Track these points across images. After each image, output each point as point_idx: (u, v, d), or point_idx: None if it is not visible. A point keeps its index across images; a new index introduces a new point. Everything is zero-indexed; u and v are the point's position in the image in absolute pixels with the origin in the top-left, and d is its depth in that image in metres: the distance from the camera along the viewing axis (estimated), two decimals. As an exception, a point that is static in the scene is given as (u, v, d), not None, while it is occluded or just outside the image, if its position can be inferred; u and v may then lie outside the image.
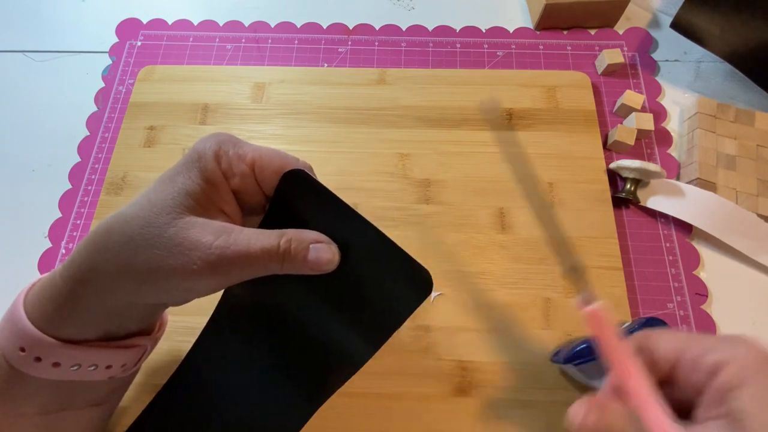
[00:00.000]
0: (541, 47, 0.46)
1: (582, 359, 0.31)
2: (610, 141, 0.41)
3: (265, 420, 0.27)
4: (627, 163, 0.37)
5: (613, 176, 0.40)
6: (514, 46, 0.46)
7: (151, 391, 0.30)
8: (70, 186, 0.41)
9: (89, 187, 0.41)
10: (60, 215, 0.40)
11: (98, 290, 0.21)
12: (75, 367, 0.23)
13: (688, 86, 0.44)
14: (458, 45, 0.46)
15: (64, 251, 0.38)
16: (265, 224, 0.24)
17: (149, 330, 0.27)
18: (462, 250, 0.37)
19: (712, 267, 0.37)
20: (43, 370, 0.22)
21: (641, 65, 0.45)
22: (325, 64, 0.46)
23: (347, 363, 0.25)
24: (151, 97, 0.43)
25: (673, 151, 0.41)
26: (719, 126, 0.40)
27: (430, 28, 0.47)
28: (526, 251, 0.36)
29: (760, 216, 0.37)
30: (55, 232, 0.39)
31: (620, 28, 0.47)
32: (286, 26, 0.48)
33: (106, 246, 0.21)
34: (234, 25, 0.48)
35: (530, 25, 0.47)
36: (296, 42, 0.47)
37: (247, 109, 0.42)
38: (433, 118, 0.41)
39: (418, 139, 0.41)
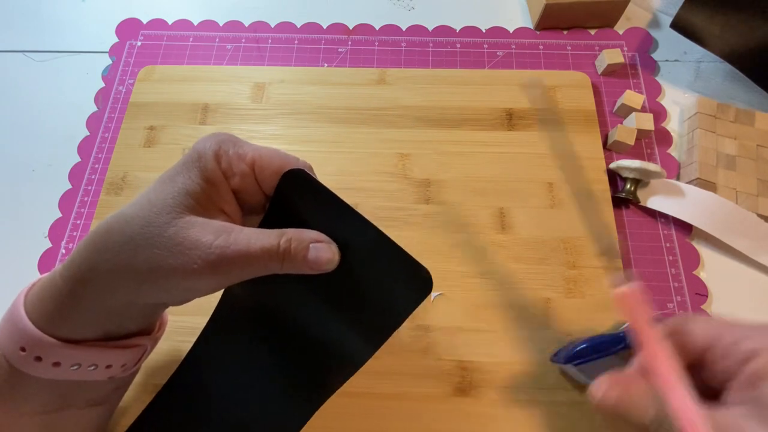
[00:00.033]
0: (541, 47, 0.46)
1: (582, 359, 0.31)
2: (610, 141, 0.41)
3: (265, 420, 0.27)
4: (627, 163, 0.37)
5: (613, 176, 0.40)
6: (514, 46, 0.46)
7: (151, 391, 0.30)
8: (70, 186, 0.41)
9: (89, 187, 0.41)
10: (60, 215, 0.40)
11: (98, 290, 0.21)
12: (75, 367, 0.23)
13: (688, 86, 0.44)
14: (458, 45, 0.46)
15: (64, 251, 0.38)
16: (265, 224, 0.24)
17: (149, 330, 0.27)
18: (462, 250, 0.37)
19: (712, 267, 0.37)
20: (43, 369, 0.22)
21: (641, 65, 0.45)
22: (325, 64, 0.46)
23: (347, 363, 0.25)
24: (151, 97, 0.43)
25: (673, 151, 0.41)
26: (719, 126, 0.40)
27: (430, 28, 0.47)
28: (526, 251, 0.36)
29: (760, 216, 0.37)
30: (55, 232, 0.39)
31: (620, 28, 0.47)
32: (286, 26, 0.48)
33: (106, 246, 0.21)
34: (234, 25, 0.48)
35: (530, 25, 0.47)
36: (296, 42, 0.47)
37: (247, 109, 0.42)
38: (433, 118, 0.41)
39: (418, 139, 0.41)
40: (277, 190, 0.24)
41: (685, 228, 0.38)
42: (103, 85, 0.45)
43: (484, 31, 0.47)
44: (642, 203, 0.38)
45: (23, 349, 0.22)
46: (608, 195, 0.38)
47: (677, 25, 0.43)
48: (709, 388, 0.20)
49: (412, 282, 0.22)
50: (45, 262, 0.38)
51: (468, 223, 0.37)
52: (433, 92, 0.42)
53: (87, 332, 0.23)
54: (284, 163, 0.23)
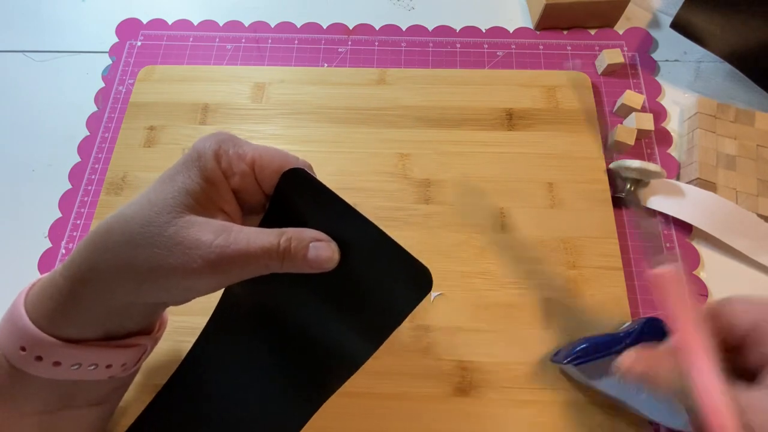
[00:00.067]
0: (541, 47, 0.46)
1: (582, 359, 0.31)
2: (610, 141, 0.41)
3: (265, 420, 0.27)
4: (627, 163, 0.37)
5: (613, 176, 0.40)
6: (514, 46, 0.46)
7: (151, 391, 0.30)
8: (70, 186, 0.41)
9: (89, 187, 0.41)
10: (60, 215, 0.40)
11: (99, 290, 0.21)
12: (75, 366, 0.23)
13: (688, 86, 0.44)
14: (458, 45, 0.46)
15: (64, 251, 0.38)
16: (265, 223, 0.25)
17: (149, 330, 0.27)
18: (462, 250, 0.37)
19: (712, 267, 0.37)
20: (43, 369, 0.22)
21: (641, 65, 0.45)
22: (325, 64, 0.46)
23: (347, 362, 0.25)
24: (151, 97, 0.43)
25: (673, 151, 0.41)
26: (719, 126, 0.40)
27: (430, 28, 0.47)
28: (526, 251, 0.36)
29: (760, 216, 0.37)
30: (55, 232, 0.39)
31: (620, 28, 0.47)
32: (286, 26, 0.48)
33: (106, 245, 0.21)
34: (234, 25, 0.48)
35: (530, 25, 0.47)
36: (296, 42, 0.47)
37: (247, 109, 0.42)
38: (433, 118, 0.41)
39: (418, 139, 0.41)
40: (277, 190, 0.24)
41: (685, 228, 0.38)
42: (103, 85, 0.45)
43: (484, 31, 0.47)
44: (642, 203, 0.38)
45: (23, 349, 0.22)
46: (608, 195, 0.38)
47: (677, 25, 0.43)
48: (747, 371, 0.20)
49: (413, 281, 0.22)
50: (45, 262, 0.38)
51: (468, 223, 0.37)
52: (433, 92, 0.42)
53: (87, 332, 0.23)
54: (284, 163, 0.23)
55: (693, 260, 0.37)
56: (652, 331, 0.31)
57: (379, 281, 0.23)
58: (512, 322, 0.34)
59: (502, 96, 0.42)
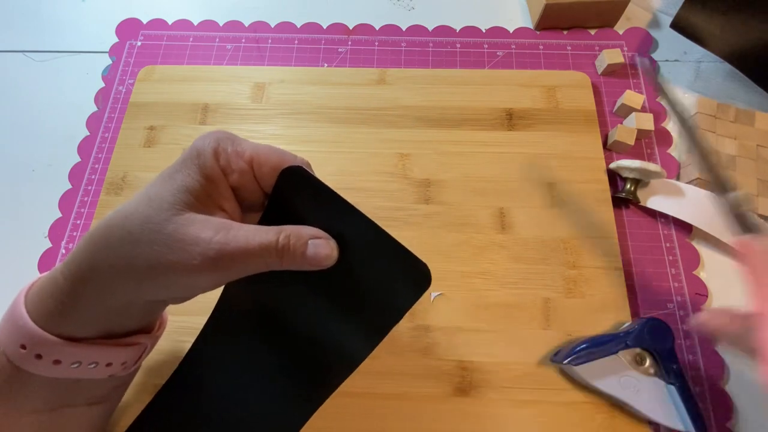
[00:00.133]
0: (541, 47, 0.46)
1: (582, 359, 0.31)
2: (610, 141, 0.41)
3: (265, 420, 0.27)
4: (627, 163, 0.37)
5: (613, 176, 0.40)
6: (514, 46, 0.46)
7: (150, 391, 0.30)
8: (70, 186, 0.41)
9: (89, 187, 0.41)
10: (60, 215, 0.40)
11: (99, 288, 0.22)
12: (75, 365, 0.23)
13: (688, 86, 0.44)
14: (458, 45, 0.46)
15: (64, 251, 0.38)
16: (264, 221, 0.25)
17: (149, 328, 0.27)
18: (462, 250, 0.37)
19: (712, 267, 0.37)
20: (43, 367, 0.22)
21: (641, 65, 0.45)
22: (325, 64, 0.46)
23: (347, 360, 0.25)
24: (151, 97, 0.43)
25: (673, 151, 0.41)
26: (719, 126, 0.40)
27: (430, 28, 0.47)
28: (526, 251, 0.36)
29: (760, 216, 0.37)
30: (55, 232, 0.39)
31: (620, 28, 0.47)
32: (286, 26, 0.48)
33: (106, 243, 0.21)
34: (234, 25, 0.48)
35: (530, 25, 0.47)
36: (296, 42, 0.47)
37: (247, 109, 0.42)
38: (433, 118, 0.41)
39: (418, 139, 0.41)
40: (276, 187, 0.24)
41: (685, 228, 0.38)
42: (103, 85, 0.45)
43: (484, 31, 0.47)
44: (642, 203, 0.38)
45: (24, 347, 0.22)
46: (608, 195, 0.38)
47: (677, 25, 0.43)
48: None
49: (411, 277, 0.22)
50: (45, 262, 0.38)
51: (468, 223, 0.37)
52: (433, 92, 0.42)
53: (87, 330, 0.23)
54: (282, 160, 0.23)
55: (693, 260, 0.37)
56: (652, 331, 0.32)
57: (378, 278, 0.23)
58: (512, 322, 0.34)
59: (502, 96, 0.42)
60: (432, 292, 0.35)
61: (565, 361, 0.31)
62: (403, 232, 0.37)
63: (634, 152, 0.41)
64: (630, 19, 0.47)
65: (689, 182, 0.39)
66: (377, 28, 0.47)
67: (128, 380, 0.28)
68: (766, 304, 0.22)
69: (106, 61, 0.47)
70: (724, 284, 0.36)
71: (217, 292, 0.27)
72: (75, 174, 0.41)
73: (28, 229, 0.39)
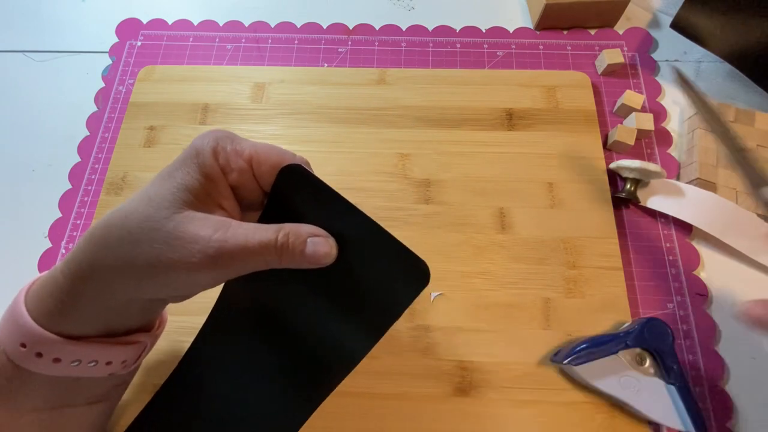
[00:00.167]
0: (541, 47, 0.46)
1: (582, 359, 0.31)
2: (610, 141, 0.41)
3: (264, 420, 0.27)
4: (627, 163, 0.37)
5: (613, 176, 0.40)
6: (514, 46, 0.46)
7: (150, 390, 0.30)
8: (70, 186, 0.41)
9: (89, 187, 0.41)
10: (60, 215, 0.40)
11: (99, 286, 0.22)
12: (75, 363, 0.23)
13: (688, 86, 0.44)
14: (458, 45, 0.46)
15: (64, 251, 0.38)
16: (263, 219, 0.25)
17: (149, 327, 0.27)
18: (462, 250, 0.37)
19: (712, 267, 0.37)
20: (43, 365, 0.22)
21: (641, 65, 0.45)
22: (325, 64, 0.46)
23: (346, 358, 0.25)
24: (151, 97, 0.43)
25: (673, 151, 0.41)
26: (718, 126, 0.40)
27: (430, 28, 0.47)
28: (526, 251, 0.36)
29: (760, 216, 0.37)
30: (55, 232, 0.39)
31: (620, 28, 0.47)
32: (286, 26, 0.48)
33: (106, 241, 0.21)
34: (234, 25, 0.48)
35: (530, 25, 0.47)
36: (296, 42, 0.47)
37: (247, 109, 0.42)
38: (433, 118, 0.41)
39: (418, 139, 0.41)
40: (275, 186, 0.24)
41: (685, 228, 0.38)
42: (103, 85, 0.45)
43: (484, 31, 0.47)
44: (642, 203, 0.38)
45: (24, 345, 0.22)
46: (608, 195, 0.38)
47: (677, 25, 0.43)
48: None
49: (410, 274, 0.22)
50: (45, 262, 0.38)
51: (468, 223, 0.37)
52: (433, 92, 0.42)
53: (87, 329, 0.23)
54: (281, 159, 0.23)
55: (693, 260, 0.37)
56: (652, 331, 0.32)
57: (377, 275, 0.23)
58: (512, 322, 0.34)
59: (502, 96, 0.42)
60: (432, 292, 0.35)
61: (565, 361, 0.31)
62: (403, 232, 0.37)
63: (634, 152, 0.41)
64: (630, 19, 0.47)
65: (689, 182, 0.39)
66: (377, 28, 0.47)
67: (128, 379, 0.28)
68: None
69: (106, 61, 0.47)
70: (724, 284, 0.36)
71: (216, 291, 0.27)
72: (75, 174, 0.41)
73: (28, 229, 0.39)
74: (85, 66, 0.47)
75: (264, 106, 0.42)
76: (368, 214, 0.22)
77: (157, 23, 0.48)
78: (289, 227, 0.22)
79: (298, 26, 0.48)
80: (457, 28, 0.47)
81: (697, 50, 0.44)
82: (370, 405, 0.32)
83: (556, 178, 0.39)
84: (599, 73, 0.44)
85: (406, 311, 0.34)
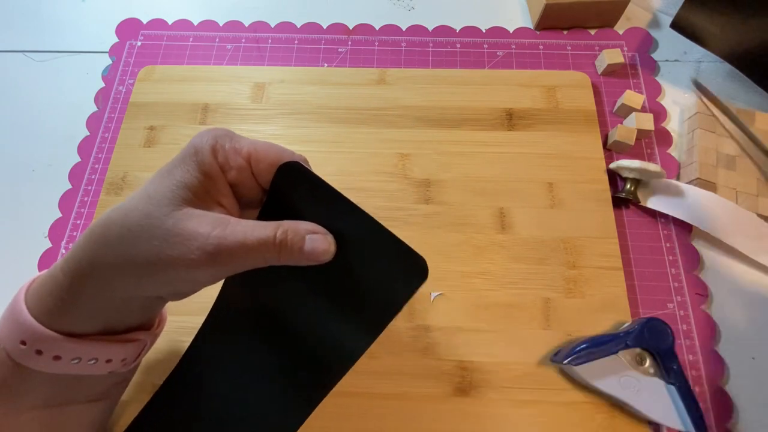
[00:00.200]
0: (541, 47, 0.46)
1: (582, 359, 0.31)
2: (610, 141, 0.41)
3: (264, 419, 0.27)
4: (627, 163, 0.37)
5: (613, 176, 0.40)
6: (514, 46, 0.46)
7: (150, 390, 0.30)
8: (70, 186, 0.41)
9: (89, 187, 0.41)
10: (60, 215, 0.40)
11: (98, 284, 0.22)
12: (75, 361, 0.23)
13: (688, 86, 0.44)
14: (458, 45, 0.46)
15: (64, 251, 0.38)
16: (262, 216, 0.25)
17: (149, 325, 0.27)
18: (462, 250, 0.37)
19: (712, 267, 0.37)
20: (43, 363, 0.22)
21: (641, 65, 0.45)
22: (325, 64, 0.46)
23: (346, 356, 0.25)
24: (151, 97, 0.43)
25: (673, 151, 0.41)
26: (719, 126, 0.40)
27: (430, 28, 0.47)
28: (526, 251, 0.36)
29: (760, 216, 0.37)
30: (55, 232, 0.39)
31: (620, 28, 0.47)
32: (286, 26, 0.48)
33: (105, 239, 0.21)
34: (234, 25, 0.48)
35: (530, 25, 0.47)
36: (296, 42, 0.47)
37: (247, 109, 0.42)
38: (433, 118, 0.41)
39: (418, 139, 0.41)
40: (274, 183, 0.24)
41: (685, 228, 0.38)
42: (103, 85, 0.45)
43: (484, 31, 0.47)
44: (642, 203, 0.38)
45: (24, 343, 0.22)
46: (608, 195, 0.38)
47: (677, 25, 0.43)
48: None
49: (409, 270, 0.22)
50: (45, 262, 0.38)
51: (468, 223, 0.37)
52: (433, 92, 0.42)
53: (87, 326, 0.23)
54: (279, 156, 0.24)
55: (693, 260, 0.37)
56: (652, 331, 0.32)
57: (376, 272, 0.23)
58: (512, 322, 0.34)
59: (502, 96, 0.42)
60: (432, 292, 0.35)
61: (565, 361, 0.31)
62: (403, 232, 0.36)
63: (634, 152, 0.41)
64: (630, 19, 0.47)
65: (689, 182, 0.39)
66: (377, 28, 0.47)
67: (128, 377, 0.28)
68: None
69: (106, 61, 0.47)
70: (724, 284, 0.36)
71: (215, 291, 0.27)
72: (75, 174, 0.41)
73: (28, 229, 0.39)
74: (85, 66, 0.47)
75: (264, 106, 0.42)
76: (367, 212, 0.22)
77: (157, 23, 0.48)
78: (287, 224, 0.22)
79: (298, 26, 0.48)
80: (457, 28, 0.47)
81: (697, 50, 0.44)
82: (370, 405, 0.32)
83: (556, 178, 0.39)
84: (599, 73, 0.44)
85: (407, 311, 0.35)
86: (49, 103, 0.45)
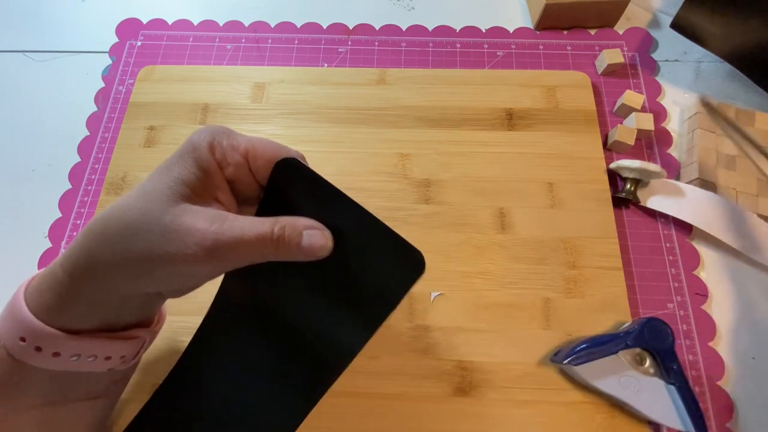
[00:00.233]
0: (541, 47, 0.46)
1: (582, 359, 0.31)
2: (610, 141, 0.41)
3: (264, 416, 0.27)
4: (627, 163, 0.37)
5: (613, 176, 0.40)
6: (514, 46, 0.46)
7: (149, 390, 0.30)
8: (70, 186, 0.41)
9: (89, 187, 0.41)
10: (60, 215, 0.40)
11: (97, 280, 0.22)
12: (74, 358, 0.23)
13: (688, 86, 0.44)
14: (458, 45, 0.46)
15: (64, 251, 0.38)
16: (260, 213, 0.25)
17: (148, 323, 0.27)
18: (462, 250, 0.37)
19: (712, 267, 0.37)
20: (43, 360, 0.22)
21: (641, 65, 0.45)
22: (325, 64, 0.46)
23: (344, 352, 0.25)
24: (151, 97, 0.43)
25: (673, 151, 0.41)
26: (719, 126, 0.40)
27: (430, 28, 0.47)
28: (526, 251, 0.36)
29: (760, 216, 0.37)
30: (55, 232, 0.39)
31: (620, 28, 0.47)
32: (286, 26, 0.48)
33: (104, 236, 0.21)
34: (234, 25, 0.48)
35: (530, 25, 0.47)
36: (296, 42, 0.47)
37: (247, 109, 0.42)
38: (433, 118, 0.41)
39: (418, 139, 0.41)
40: (271, 180, 0.24)
41: (685, 228, 0.38)
42: (103, 85, 0.45)
43: (484, 31, 0.47)
44: (642, 203, 0.38)
45: (23, 340, 0.22)
46: (608, 195, 0.38)
47: (677, 25, 0.43)
48: None
49: (406, 264, 0.22)
50: (45, 262, 0.38)
51: (468, 223, 0.37)
52: (433, 92, 0.42)
53: (86, 323, 0.23)
54: (276, 153, 0.24)
55: (693, 260, 0.37)
56: (652, 331, 0.32)
57: (373, 267, 0.23)
58: (512, 322, 0.34)
59: (502, 96, 0.42)
60: (432, 292, 0.35)
61: (565, 361, 0.31)
62: (403, 232, 0.36)
63: (634, 152, 0.41)
64: (630, 19, 0.47)
65: (689, 182, 0.39)
66: (377, 28, 0.47)
67: (127, 375, 0.28)
68: None
69: (106, 61, 0.47)
70: (724, 284, 0.36)
71: (215, 290, 0.27)
72: (75, 174, 0.41)
73: (28, 229, 0.39)
74: (85, 66, 0.47)
75: (264, 106, 0.42)
76: (364, 207, 0.22)
77: (157, 23, 0.48)
78: (285, 220, 0.22)
79: (298, 26, 0.48)
80: (457, 28, 0.47)
81: (697, 50, 0.44)
82: (370, 405, 0.32)
83: (556, 178, 0.39)
84: (599, 73, 0.44)
85: (407, 311, 0.35)
86: (49, 103, 0.45)
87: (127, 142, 0.41)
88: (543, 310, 0.35)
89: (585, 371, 0.31)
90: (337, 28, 0.48)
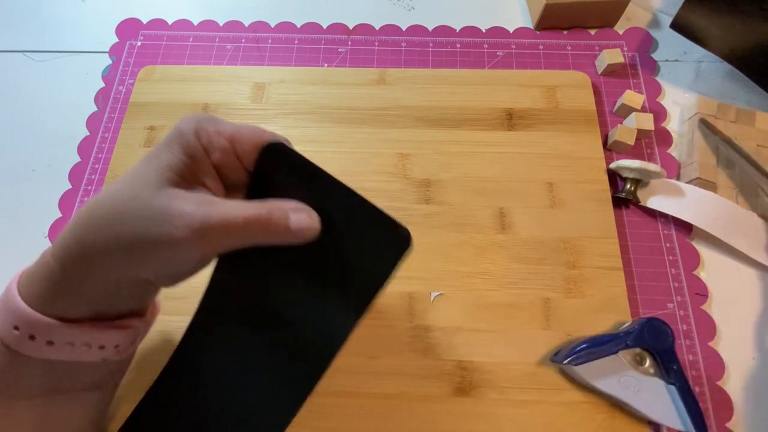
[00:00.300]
0: (541, 47, 0.46)
1: (582, 359, 0.31)
2: (610, 141, 0.41)
3: (258, 408, 0.27)
4: (627, 163, 0.37)
5: (613, 176, 0.40)
6: (514, 46, 0.46)
7: (145, 387, 0.30)
8: (70, 186, 0.41)
9: (89, 187, 0.41)
10: (60, 215, 0.40)
11: (87, 266, 0.22)
12: (68, 346, 0.23)
13: (688, 86, 0.44)
14: (458, 45, 0.46)
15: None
16: (248, 198, 0.25)
17: (141, 313, 0.27)
18: (462, 250, 0.37)
19: (712, 267, 0.37)
20: (36, 348, 0.23)
21: (641, 65, 0.45)
22: (325, 64, 0.46)
23: (336, 336, 0.25)
24: (151, 97, 0.43)
25: (673, 151, 0.41)
26: (719, 126, 0.40)
27: (430, 28, 0.47)
28: (526, 251, 0.36)
29: (760, 216, 0.37)
30: (55, 232, 0.39)
31: (620, 28, 0.47)
32: (286, 26, 0.48)
33: (93, 221, 0.22)
34: (234, 25, 0.48)
35: (530, 25, 0.47)
36: (296, 42, 0.47)
37: (247, 109, 0.42)
38: (433, 118, 0.41)
39: (418, 139, 0.41)
40: (258, 165, 0.24)
41: (685, 228, 0.38)
42: (103, 85, 0.45)
43: (484, 31, 0.47)
44: (642, 203, 0.38)
45: (17, 328, 0.22)
46: (608, 195, 0.38)
47: (677, 25, 0.43)
48: None
49: (391, 241, 0.23)
50: (45, 262, 0.38)
51: (468, 223, 0.37)
52: (433, 92, 0.42)
53: (79, 311, 0.23)
54: (262, 137, 0.24)
55: (693, 260, 0.37)
56: (652, 331, 0.32)
57: (361, 246, 0.24)
58: (512, 322, 0.34)
59: (502, 96, 0.42)
60: (432, 292, 0.35)
61: (565, 361, 0.31)
62: (403, 232, 0.37)
63: (634, 152, 0.41)
64: (630, 19, 0.47)
65: (689, 182, 0.39)
66: (377, 28, 0.47)
67: (123, 367, 0.28)
68: None
69: (106, 61, 0.47)
70: (724, 284, 0.36)
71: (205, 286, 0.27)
72: (75, 174, 0.41)
73: (28, 229, 0.39)
74: (85, 66, 0.47)
75: (264, 106, 0.42)
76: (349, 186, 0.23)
77: (157, 23, 0.48)
78: (271, 203, 0.23)
79: (298, 26, 0.48)
80: (457, 28, 0.47)
81: (697, 50, 0.44)
82: (370, 405, 0.32)
83: (556, 178, 0.39)
84: (599, 73, 0.44)
85: (407, 311, 0.35)
86: (49, 103, 0.45)
87: (127, 142, 0.41)
88: (543, 310, 0.35)
89: (585, 371, 0.31)
90: (337, 28, 0.48)
